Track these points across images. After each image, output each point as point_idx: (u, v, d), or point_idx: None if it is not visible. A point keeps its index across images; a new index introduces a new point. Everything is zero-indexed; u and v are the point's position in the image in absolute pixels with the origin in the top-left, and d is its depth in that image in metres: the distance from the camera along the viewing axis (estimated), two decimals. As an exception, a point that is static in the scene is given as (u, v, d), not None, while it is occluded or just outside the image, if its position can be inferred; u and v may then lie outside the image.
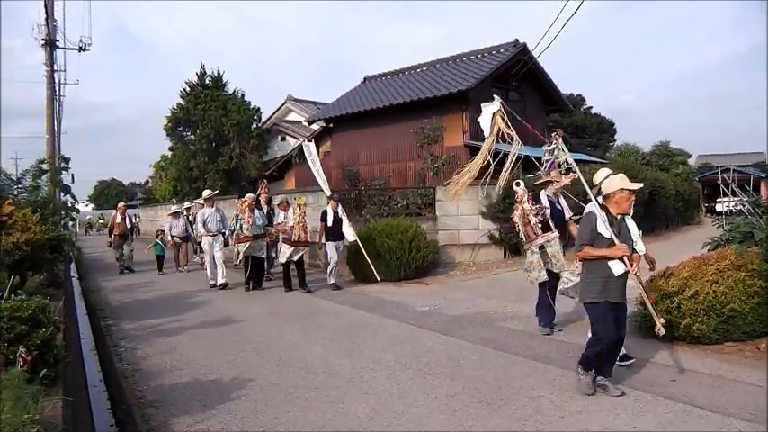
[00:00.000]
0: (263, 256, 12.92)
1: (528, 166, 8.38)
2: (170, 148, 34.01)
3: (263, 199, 13.85)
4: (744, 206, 11.35)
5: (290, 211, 12.41)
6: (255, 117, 32.58)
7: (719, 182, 23.48)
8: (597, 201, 5.55)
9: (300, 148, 18.11)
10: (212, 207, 13.56)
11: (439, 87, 20.11)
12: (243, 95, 32.34)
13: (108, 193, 79.71)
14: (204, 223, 13.30)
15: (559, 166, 7.20)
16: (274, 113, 34.40)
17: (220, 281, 12.90)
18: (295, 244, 11.96)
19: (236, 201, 14.64)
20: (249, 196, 12.72)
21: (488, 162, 7.87)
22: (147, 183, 51.25)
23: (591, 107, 52.05)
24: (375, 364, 6.64)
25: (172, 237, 16.55)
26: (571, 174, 7.03)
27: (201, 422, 5.00)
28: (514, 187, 7.74)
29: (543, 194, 7.82)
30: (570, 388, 5.58)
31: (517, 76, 20.67)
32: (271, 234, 13.00)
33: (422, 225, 14.33)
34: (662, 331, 5.38)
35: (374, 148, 21.89)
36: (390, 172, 21.31)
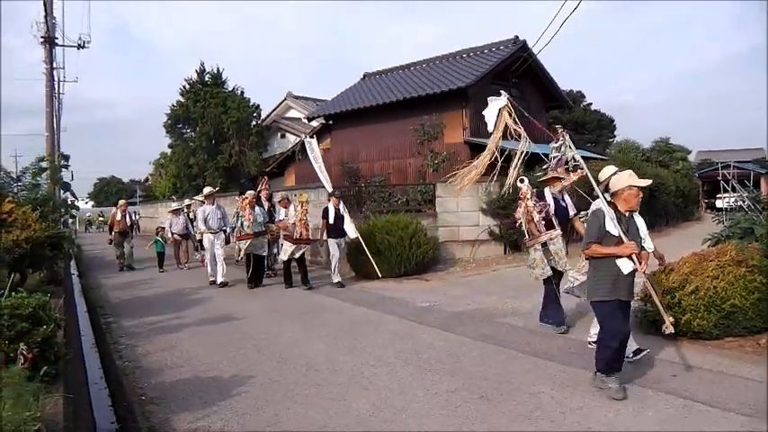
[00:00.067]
0: (265, 254, 12.91)
1: (529, 162, 8.31)
2: (170, 146, 34.00)
3: (263, 196, 13.80)
4: (744, 202, 11.37)
5: (292, 208, 12.38)
6: (255, 114, 32.55)
7: (719, 178, 23.52)
8: (605, 198, 5.52)
9: (302, 145, 18.06)
10: (213, 204, 13.51)
11: (439, 84, 20.08)
12: (242, 93, 32.33)
13: (108, 191, 79.79)
14: (205, 221, 13.25)
15: (566, 163, 7.15)
16: (274, 110, 34.35)
17: (220, 279, 12.87)
18: (297, 241, 11.93)
19: (236, 198, 14.63)
20: (250, 193, 12.67)
21: (495, 159, 7.85)
22: (146, 180, 51.33)
23: (591, 103, 52.06)
24: (376, 361, 6.64)
25: (172, 234, 16.53)
26: (579, 171, 6.99)
27: (202, 419, 5.00)
28: (518, 184, 7.67)
29: (547, 191, 7.78)
30: (571, 384, 5.59)
31: (517, 72, 20.64)
32: (272, 231, 12.98)
33: (422, 221, 14.30)
34: (671, 329, 5.35)
35: (374, 144, 21.87)
36: (390, 169, 21.29)
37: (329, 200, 12.57)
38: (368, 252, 12.20)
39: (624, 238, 5.17)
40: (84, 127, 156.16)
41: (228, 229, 13.20)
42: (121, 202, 17.88)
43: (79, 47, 21.16)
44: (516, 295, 10.11)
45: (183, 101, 31.68)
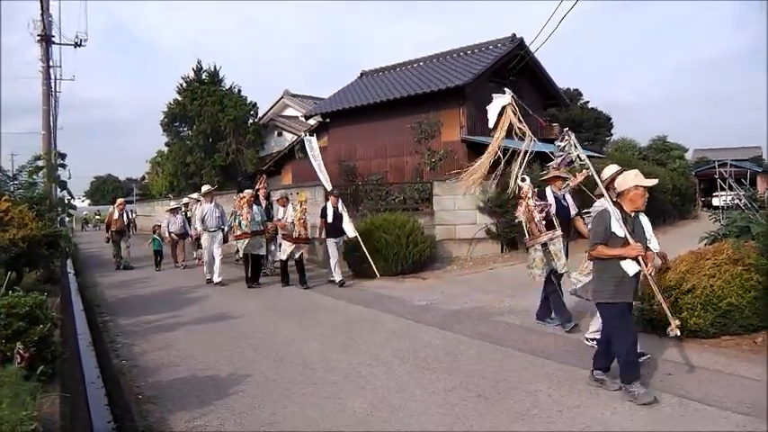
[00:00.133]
0: (263, 253, 12.88)
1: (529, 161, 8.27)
2: (166, 144, 33.95)
3: (261, 194, 13.75)
4: (741, 200, 11.39)
5: (290, 207, 12.33)
6: (252, 112, 32.50)
7: (716, 176, 23.56)
8: (610, 197, 5.48)
9: (302, 142, 18.03)
10: (211, 203, 13.44)
11: (436, 82, 20.08)
12: (239, 91, 32.28)
13: (104, 189, 79.54)
14: (203, 220, 13.21)
15: (570, 162, 7.10)
16: (271, 109, 34.32)
17: (217, 279, 12.84)
18: (296, 241, 11.87)
19: (234, 197, 14.59)
20: (247, 192, 12.62)
21: (499, 157, 7.84)
22: (143, 178, 51.19)
23: (588, 102, 52.03)
24: (373, 360, 6.64)
25: (170, 233, 16.51)
26: (584, 170, 6.94)
27: (199, 418, 5.00)
28: (520, 183, 7.62)
29: (549, 191, 7.74)
30: (568, 382, 5.60)
31: (514, 70, 20.64)
32: (268, 230, 12.92)
33: (419, 220, 14.32)
34: (676, 332, 5.32)
35: (371, 143, 21.86)
36: (387, 167, 21.29)
37: (327, 199, 12.54)
38: (366, 251, 12.19)
39: (630, 240, 5.11)
40: (81, 126, 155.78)
41: (226, 228, 13.16)
42: (119, 200, 17.83)
43: (76, 45, 21.13)
44: (513, 294, 10.11)
45: (180, 99, 31.63)
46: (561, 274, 7.56)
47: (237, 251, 12.31)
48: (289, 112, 33.44)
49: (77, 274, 16.35)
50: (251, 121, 32.05)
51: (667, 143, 39.40)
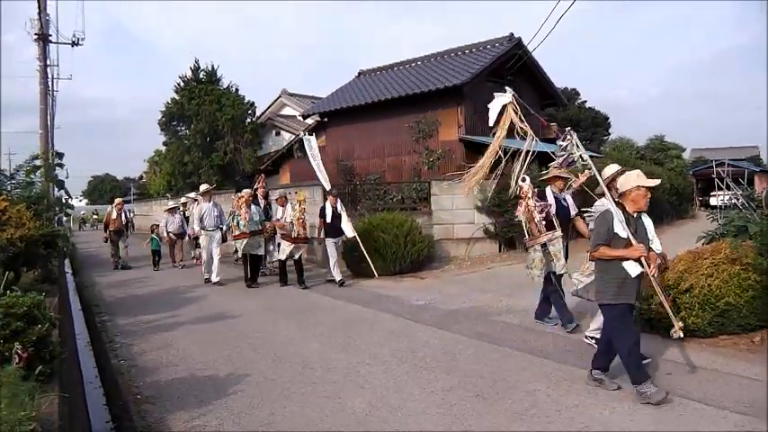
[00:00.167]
0: (261, 253, 12.85)
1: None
2: (164, 143, 33.93)
3: (260, 194, 13.71)
4: (738, 200, 11.39)
5: (289, 206, 12.29)
6: (250, 112, 32.47)
7: (714, 176, 23.54)
8: (613, 198, 5.44)
9: (301, 142, 17.99)
10: (210, 202, 13.36)
11: (434, 81, 20.06)
12: (237, 90, 32.25)
13: (102, 189, 79.46)
14: (201, 219, 13.17)
15: (570, 163, 7.05)
16: (269, 108, 34.29)
17: (215, 279, 12.81)
18: (295, 240, 11.83)
19: (232, 197, 14.55)
20: (246, 192, 12.58)
21: (500, 157, 7.82)
22: (140, 178, 51.15)
23: (585, 101, 52.08)
24: (371, 359, 6.64)
25: (168, 233, 16.49)
26: (587, 171, 6.89)
27: (198, 418, 5.00)
28: (520, 183, 7.60)
29: (549, 191, 7.72)
30: (566, 381, 5.61)
31: (512, 70, 20.64)
32: (266, 229, 12.88)
33: (417, 219, 14.33)
34: (680, 334, 5.31)
35: (369, 142, 21.84)
36: (385, 166, 21.28)
37: (326, 198, 12.51)
38: (364, 251, 12.18)
39: (633, 241, 5.10)
40: (79, 125, 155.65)
41: (225, 228, 13.13)
42: (118, 200, 17.78)
43: (73, 44, 21.09)
44: (511, 293, 10.12)
45: (177, 98, 31.60)
46: (561, 275, 7.56)
47: (236, 251, 12.27)
48: (286, 111, 33.42)
49: (75, 274, 16.34)
50: (249, 120, 32.01)
51: (665, 143, 39.44)
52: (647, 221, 5.40)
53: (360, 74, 26.29)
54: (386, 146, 21.34)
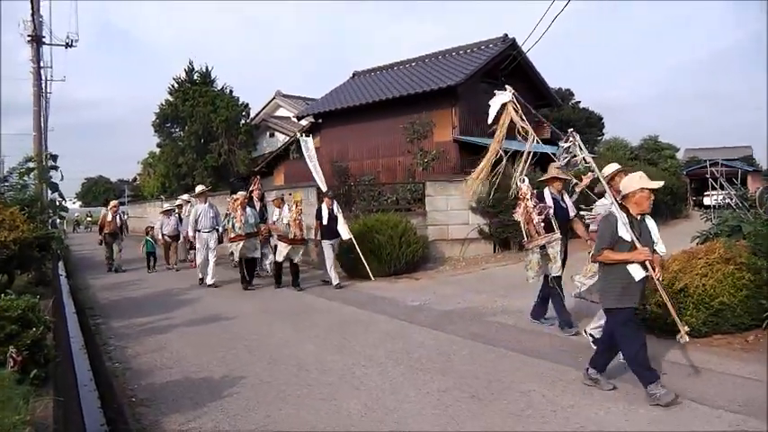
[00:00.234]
0: (257, 256, 12.81)
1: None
2: (158, 145, 33.89)
3: (255, 196, 13.62)
4: (731, 200, 11.44)
5: (285, 208, 12.25)
6: (244, 113, 32.47)
7: (707, 175, 23.66)
8: (616, 200, 5.40)
9: (297, 142, 17.95)
10: (205, 203, 13.30)
11: (428, 82, 20.09)
12: (231, 91, 32.25)
13: (95, 191, 79.32)
14: (196, 221, 13.11)
15: (574, 165, 6.95)
16: (263, 109, 34.29)
17: (210, 281, 12.76)
18: (292, 242, 11.75)
19: (227, 198, 14.50)
20: (241, 194, 12.51)
21: (500, 156, 7.78)
22: (134, 180, 51.08)
23: (579, 102, 52.21)
24: (367, 361, 6.64)
25: (163, 235, 16.43)
26: (590, 173, 6.80)
27: (193, 420, 4.99)
28: (519, 183, 7.54)
29: (547, 192, 7.66)
30: (561, 382, 5.62)
31: (506, 70, 20.67)
32: (262, 232, 12.81)
33: (411, 220, 14.33)
34: (686, 339, 5.29)
35: (363, 143, 21.86)
36: (380, 167, 21.28)
37: (322, 200, 12.47)
38: (360, 254, 12.16)
39: (637, 244, 5.05)
40: (72, 127, 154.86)
41: (221, 229, 13.07)
42: (113, 202, 17.70)
43: (67, 45, 21.07)
44: (506, 294, 10.14)
45: (171, 100, 31.57)
46: (560, 276, 7.53)
47: (232, 254, 12.19)
48: (281, 112, 33.42)
49: (69, 277, 16.27)
50: (243, 121, 32.01)
51: (658, 143, 39.57)
52: (651, 223, 5.34)
53: (354, 75, 26.30)
54: (380, 147, 21.35)
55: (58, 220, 16.56)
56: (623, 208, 5.24)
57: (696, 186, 38.96)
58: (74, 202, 72.58)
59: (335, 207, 12.30)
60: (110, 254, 16.80)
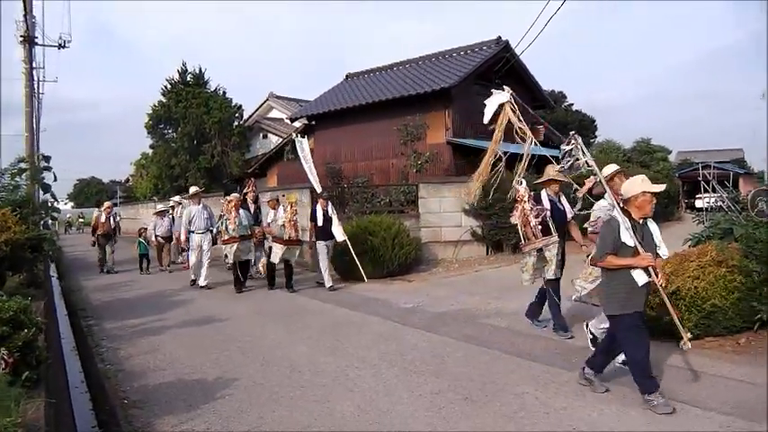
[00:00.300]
0: (251, 258, 12.76)
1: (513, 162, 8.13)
2: (151, 146, 33.82)
3: (249, 198, 13.56)
4: (723, 202, 11.48)
5: (281, 209, 12.19)
6: (237, 114, 32.45)
7: (699, 178, 23.74)
8: (617, 203, 5.35)
9: (293, 143, 17.90)
10: (199, 204, 13.25)
11: (422, 84, 20.08)
12: (224, 93, 32.24)
13: (88, 192, 79.02)
14: (190, 222, 13.06)
15: (571, 167, 6.85)
16: (256, 111, 34.25)
17: (203, 282, 12.72)
18: (287, 243, 11.70)
19: (221, 200, 14.44)
20: (234, 196, 12.47)
21: (499, 157, 7.72)
22: (127, 181, 50.89)
23: (572, 104, 52.41)
24: (360, 363, 6.64)
25: (156, 236, 16.38)
26: (592, 176, 6.72)
27: (186, 422, 4.97)
28: (515, 186, 7.51)
29: (544, 194, 7.60)
30: (554, 384, 5.63)
31: (500, 73, 20.71)
32: (256, 234, 12.76)
33: (405, 222, 14.33)
34: (688, 346, 5.26)
35: (357, 145, 21.84)
36: (373, 169, 21.26)
37: (316, 201, 12.45)
38: (354, 256, 12.14)
39: (640, 249, 4.97)
40: (65, 127, 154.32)
41: (215, 230, 13.02)
42: (106, 203, 17.66)
43: (60, 46, 20.94)
44: (499, 296, 10.15)
45: (164, 101, 31.52)
46: (556, 280, 7.49)
47: (226, 256, 12.11)
48: (274, 114, 33.39)
49: (61, 278, 16.19)
50: (236, 123, 31.98)
51: (651, 145, 39.69)
52: (653, 227, 5.26)
53: (347, 76, 26.29)
54: (373, 149, 21.34)
55: (50, 222, 16.48)
56: (625, 212, 5.16)
57: (688, 189, 39.15)
58: (66, 203, 72.29)
59: (330, 208, 12.27)
60: (102, 255, 16.74)
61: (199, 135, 30.16)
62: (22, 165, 10.54)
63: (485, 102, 7.62)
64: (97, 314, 10.23)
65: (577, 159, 6.34)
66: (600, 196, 6.64)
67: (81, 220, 50.00)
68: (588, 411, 4.91)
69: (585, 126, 49.62)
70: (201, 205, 13.26)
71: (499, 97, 7.45)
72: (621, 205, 5.28)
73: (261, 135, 32.89)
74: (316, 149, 22.86)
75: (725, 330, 6.71)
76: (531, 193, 7.59)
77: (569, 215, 7.68)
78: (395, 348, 7.20)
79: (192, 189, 13.82)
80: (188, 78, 32.03)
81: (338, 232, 12.10)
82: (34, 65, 19.83)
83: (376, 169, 21.19)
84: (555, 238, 7.37)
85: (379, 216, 14.28)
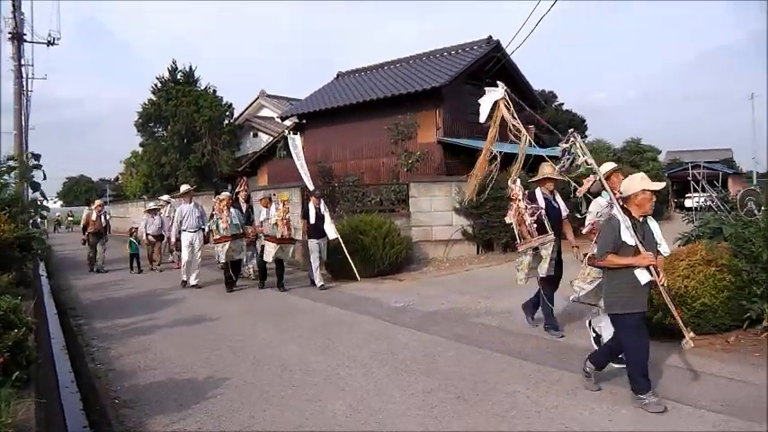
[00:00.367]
0: (242, 258, 12.72)
1: (509, 161, 8.10)
2: (141, 144, 33.71)
3: (241, 197, 13.50)
4: (713, 202, 11.55)
5: (273, 207, 12.12)
6: (228, 113, 32.38)
7: (689, 178, 23.86)
8: (617, 201, 5.31)
9: (285, 140, 17.83)
10: (190, 203, 13.17)
11: (413, 84, 20.10)
12: (215, 91, 32.16)
13: (77, 190, 78.69)
14: (181, 221, 13.00)
15: (571, 166, 6.78)
16: (246, 109, 34.22)
17: (193, 281, 12.67)
18: (280, 241, 11.65)
19: (212, 199, 14.37)
20: (225, 194, 12.41)
21: (495, 155, 7.69)
22: (116, 179, 50.75)
23: (563, 104, 52.57)
24: (351, 362, 6.63)
25: (147, 235, 16.29)
26: (592, 175, 6.60)
27: (177, 422, 4.96)
28: (510, 184, 7.45)
29: (539, 192, 7.56)
30: (545, 383, 5.65)
31: (491, 72, 20.74)
32: (248, 234, 12.71)
33: (395, 221, 14.32)
34: (691, 344, 5.23)
35: (348, 144, 21.84)
36: (364, 168, 21.26)
37: (308, 199, 12.42)
38: (347, 255, 12.12)
39: (641, 248, 4.93)
40: (53, 125, 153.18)
41: (206, 229, 12.95)
42: (98, 202, 17.57)
43: (49, 44, 20.84)
44: (489, 295, 10.17)
45: (154, 99, 31.42)
46: (550, 277, 7.46)
47: (218, 257, 12.02)
48: (264, 112, 33.36)
49: (50, 277, 16.09)
50: (226, 121, 31.92)
51: (641, 145, 39.79)
52: (654, 224, 5.22)
53: (338, 75, 26.28)
54: (364, 148, 21.34)
55: (39, 220, 16.39)
56: (624, 210, 5.12)
57: (678, 188, 39.34)
58: (55, 202, 71.90)
59: (322, 206, 12.24)
60: (93, 254, 16.65)
61: (189, 133, 30.08)
62: (11, 163, 10.47)
63: (479, 101, 7.53)
64: (87, 313, 10.18)
65: (576, 158, 6.30)
66: (597, 194, 6.62)
67: (70, 218, 49.72)
68: (580, 410, 4.93)
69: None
70: (193, 204, 13.19)
71: (494, 94, 7.38)
72: (621, 203, 5.24)
73: (251, 134, 32.84)
74: (306, 148, 22.75)
75: (714, 329, 6.75)
76: (526, 192, 7.54)
77: (564, 213, 7.69)
78: (386, 347, 7.20)
79: (184, 187, 13.75)
80: (178, 76, 31.94)
81: (331, 230, 12.06)
82: (23, 62, 19.72)
83: (367, 168, 21.19)
84: (551, 236, 7.32)
85: (369, 215, 14.27)
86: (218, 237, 11.81)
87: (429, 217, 15.62)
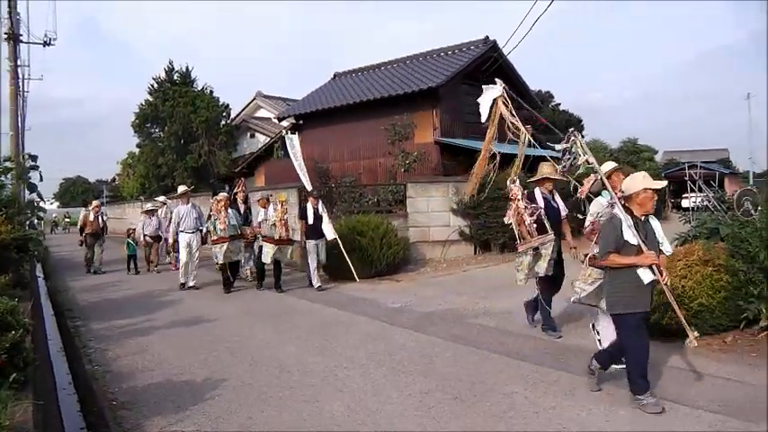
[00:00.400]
0: (240, 259, 12.71)
1: (506, 162, 8.09)
2: (138, 145, 33.67)
3: (239, 198, 13.46)
4: (709, 202, 11.57)
5: (271, 208, 12.08)
6: (224, 113, 32.36)
7: (686, 178, 23.89)
8: (618, 200, 5.27)
9: (283, 140, 17.80)
10: (188, 204, 13.09)
11: (409, 84, 20.08)
12: (211, 92, 32.14)
13: (73, 191, 78.59)
14: (179, 222, 12.96)
15: (572, 166, 6.73)
16: (243, 110, 34.18)
17: (191, 283, 12.64)
18: (278, 242, 11.64)
19: (210, 200, 14.34)
20: (223, 195, 12.39)
21: (494, 154, 7.65)
22: (113, 180, 50.67)
23: (559, 104, 52.63)
24: (348, 362, 6.63)
25: (144, 236, 16.24)
26: (593, 175, 6.67)
27: (175, 423, 4.95)
28: (509, 184, 7.40)
29: (538, 192, 7.55)
30: (543, 383, 5.65)
31: (487, 72, 20.73)
32: (246, 235, 12.70)
33: (393, 222, 14.31)
34: (695, 344, 5.22)
35: (345, 144, 21.82)
36: (361, 169, 21.24)
37: (306, 200, 12.40)
38: (346, 256, 12.10)
39: (644, 247, 4.90)
40: (50, 126, 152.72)
41: (204, 230, 12.91)
42: (95, 202, 17.54)
43: (45, 44, 20.75)
44: (486, 296, 10.18)
45: (151, 100, 31.39)
46: (548, 277, 7.45)
47: (216, 258, 11.98)
48: (261, 113, 33.33)
49: (47, 278, 16.08)
50: (223, 122, 31.90)
51: (638, 145, 39.92)
52: (655, 223, 5.19)
53: (335, 76, 26.25)
54: (361, 148, 21.33)
55: (36, 221, 16.37)
56: (626, 209, 5.10)
57: (674, 188, 39.36)
58: (51, 203, 71.76)
59: (320, 206, 12.21)
60: (90, 255, 16.61)
61: (186, 134, 30.06)
62: (8, 164, 10.46)
63: (478, 100, 7.48)
64: (84, 315, 10.17)
65: (577, 157, 6.25)
66: (597, 193, 6.60)
67: (67, 219, 49.62)
68: (577, 411, 4.93)
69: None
70: (190, 204, 13.13)
71: (492, 92, 7.34)
72: (622, 202, 5.21)
73: (248, 134, 32.83)
74: (303, 149, 22.65)
75: (711, 329, 6.75)
76: (525, 192, 7.50)
77: (563, 212, 7.68)
78: (383, 348, 7.21)
79: (181, 188, 13.70)
80: (175, 77, 31.92)
81: (329, 230, 12.04)
82: (19, 62, 19.65)
83: (364, 169, 21.18)
84: (551, 236, 7.28)
85: (367, 216, 14.26)
86: (216, 238, 11.79)
87: (426, 217, 15.61)
